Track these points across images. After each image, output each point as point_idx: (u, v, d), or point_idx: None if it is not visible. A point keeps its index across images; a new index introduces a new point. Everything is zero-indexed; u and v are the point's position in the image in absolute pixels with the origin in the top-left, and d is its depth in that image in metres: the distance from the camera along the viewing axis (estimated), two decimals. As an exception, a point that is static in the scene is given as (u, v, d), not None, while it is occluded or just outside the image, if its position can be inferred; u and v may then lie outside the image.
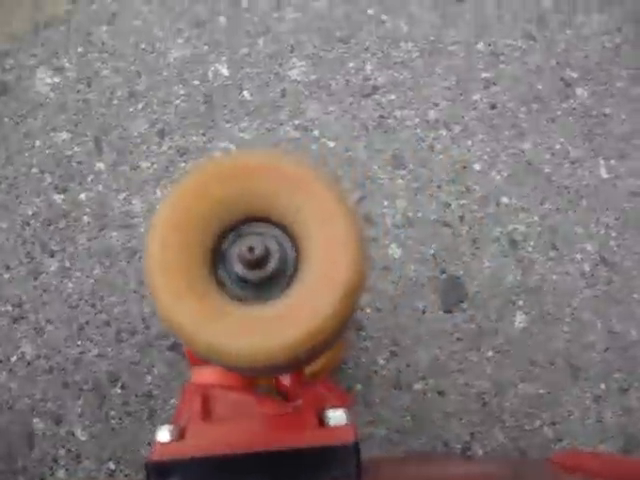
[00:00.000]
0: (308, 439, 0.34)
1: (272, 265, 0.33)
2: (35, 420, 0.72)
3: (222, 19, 0.79)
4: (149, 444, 0.70)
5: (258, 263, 0.33)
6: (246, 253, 0.32)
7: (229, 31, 0.79)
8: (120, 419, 0.71)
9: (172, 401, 0.72)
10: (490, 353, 0.70)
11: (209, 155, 0.77)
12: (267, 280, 0.34)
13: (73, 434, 0.71)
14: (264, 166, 0.34)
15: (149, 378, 0.73)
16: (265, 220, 0.35)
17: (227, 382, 0.44)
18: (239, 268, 0.34)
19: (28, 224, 0.77)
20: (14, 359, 0.75)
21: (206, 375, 0.44)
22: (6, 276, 0.77)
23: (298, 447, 0.33)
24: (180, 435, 0.35)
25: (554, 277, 0.73)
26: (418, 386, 0.70)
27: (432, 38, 0.80)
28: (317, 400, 0.45)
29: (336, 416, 0.35)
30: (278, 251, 0.34)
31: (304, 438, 0.34)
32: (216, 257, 0.34)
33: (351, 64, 0.78)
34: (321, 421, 0.35)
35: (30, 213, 0.78)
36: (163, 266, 0.32)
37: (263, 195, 0.34)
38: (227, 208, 0.34)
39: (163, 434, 0.35)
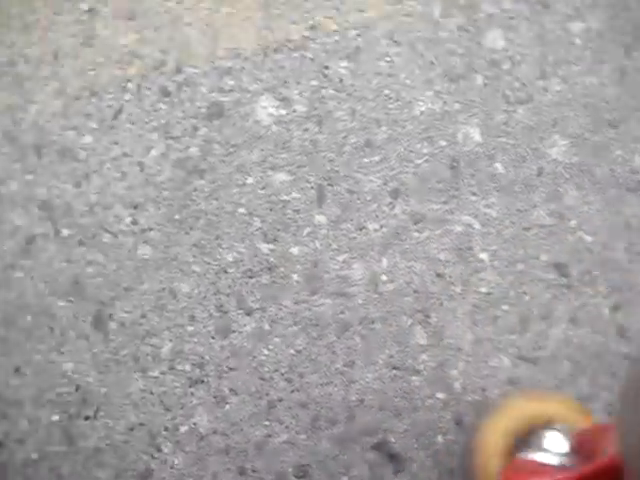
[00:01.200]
0: None
1: None
2: (204, 511, 0.60)
3: (479, 77, 0.69)
4: None
5: None
6: None
7: (486, 92, 0.69)
8: (307, 526, 0.60)
9: (372, 513, 0.60)
10: None
11: (447, 228, 0.66)
12: None
13: (249, 536, 0.60)
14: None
15: (344, 479, 0.62)
16: None
17: None
18: None
19: (225, 272, 0.66)
20: (184, 429, 0.64)
21: None
22: (189, 329, 0.66)
23: None
24: None
25: None
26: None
27: None
28: None
29: None
30: None
31: None
32: None
33: (618, 152, 0.69)
34: None
35: (230, 260, 0.66)
36: None
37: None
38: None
39: None
